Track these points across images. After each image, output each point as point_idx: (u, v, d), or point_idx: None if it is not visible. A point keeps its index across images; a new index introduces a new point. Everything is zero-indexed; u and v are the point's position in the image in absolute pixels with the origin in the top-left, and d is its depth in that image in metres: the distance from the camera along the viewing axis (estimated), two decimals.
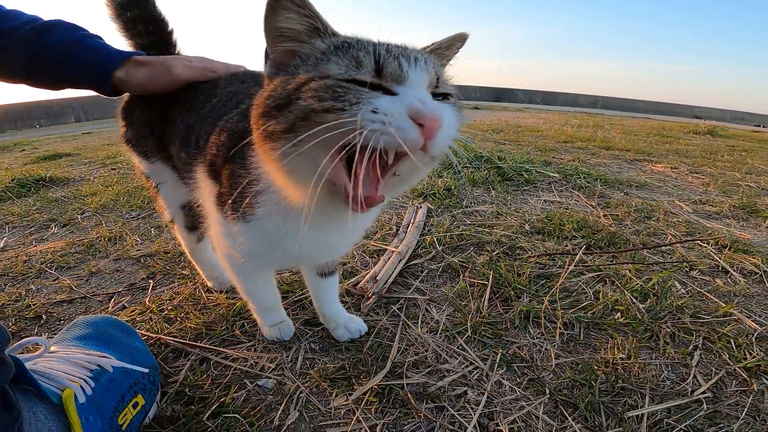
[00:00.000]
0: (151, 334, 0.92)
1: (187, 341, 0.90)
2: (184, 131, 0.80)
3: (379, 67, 0.44)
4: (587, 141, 3.93)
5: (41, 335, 0.98)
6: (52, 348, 0.70)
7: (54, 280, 1.24)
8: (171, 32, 0.96)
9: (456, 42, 0.57)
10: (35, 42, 0.77)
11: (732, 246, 1.39)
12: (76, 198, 2.04)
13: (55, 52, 0.79)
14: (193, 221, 0.99)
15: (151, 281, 1.19)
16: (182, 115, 0.82)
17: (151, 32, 0.92)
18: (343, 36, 0.50)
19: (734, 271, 1.24)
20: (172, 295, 1.10)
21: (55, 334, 0.98)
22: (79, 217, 1.76)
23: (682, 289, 1.13)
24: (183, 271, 1.23)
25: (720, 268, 1.26)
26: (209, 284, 1.12)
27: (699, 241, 1.43)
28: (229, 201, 0.64)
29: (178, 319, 0.99)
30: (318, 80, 0.44)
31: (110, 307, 1.08)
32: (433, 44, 0.57)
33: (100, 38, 0.84)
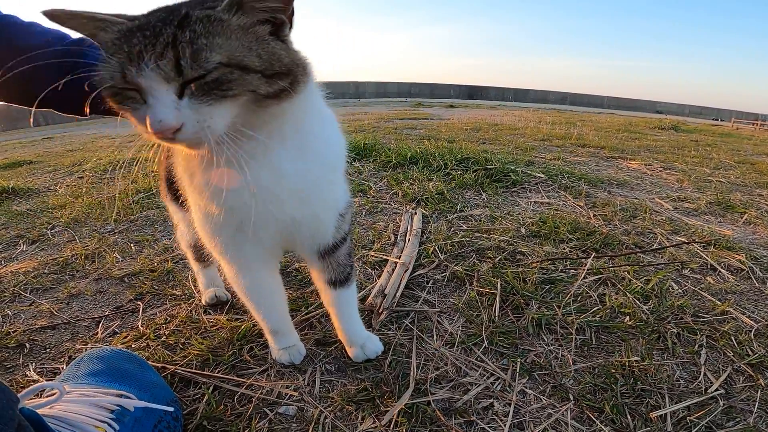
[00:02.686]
0: (155, 364, 0.86)
1: (196, 370, 0.85)
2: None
3: (124, 75, 0.48)
4: (563, 139, 4.03)
5: (28, 366, 0.90)
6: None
7: (31, 304, 1.15)
8: None
9: None
10: (70, 61, 0.65)
11: (716, 243, 1.45)
12: (44, 211, 1.91)
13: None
14: (202, 257, 1.03)
15: (140, 303, 1.12)
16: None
17: None
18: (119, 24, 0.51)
19: (722, 268, 1.29)
20: (166, 318, 1.04)
21: (42, 363, 0.92)
22: (48, 232, 1.64)
23: (679, 289, 1.16)
24: (174, 291, 1.16)
25: (709, 266, 1.30)
26: (204, 297, 1.08)
27: (688, 241, 1.48)
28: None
29: (179, 345, 0.93)
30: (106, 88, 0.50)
31: (99, 333, 1.01)
32: None
33: None
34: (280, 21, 0.54)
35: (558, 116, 8.18)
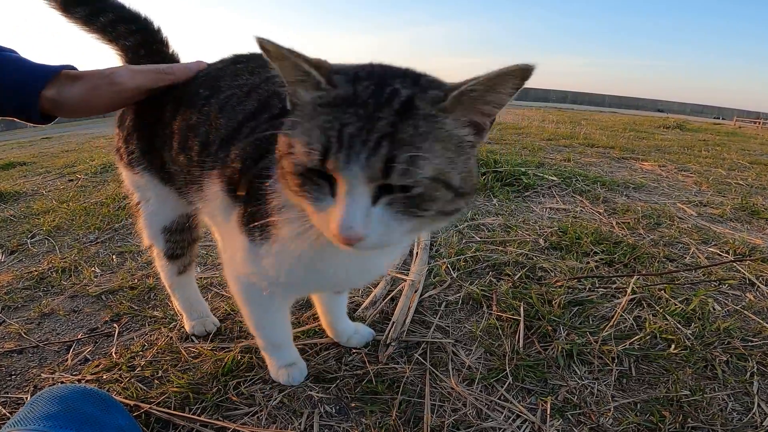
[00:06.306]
0: (126, 401, 0.74)
1: (174, 411, 0.73)
2: (184, 132, 0.68)
3: (326, 156, 0.39)
4: (570, 138, 3.92)
5: None
6: None
7: (0, 324, 1.03)
8: (158, 30, 0.84)
9: (509, 78, 0.40)
10: None
11: (750, 254, 1.33)
12: (27, 217, 1.79)
13: None
14: (175, 248, 0.86)
15: (116, 325, 1.00)
16: (181, 114, 0.69)
17: (135, 31, 0.80)
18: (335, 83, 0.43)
19: (761, 283, 1.18)
20: (143, 344, 0.92)
21: (7, 392, 0.81)
22: (29, 241, 1.53)
23: (721, 309, 1.04)
24: (154, 313, 1.04)
25: (747, 281, 1.19)
26: (188, 327, 0.95)
27: (731, 260, 1.35)
28: (259, 221, 0.55)
29: (156, 379, 0.81)
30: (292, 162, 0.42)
31: (69, 360, 0.90)
32: (470, 81, 0.40)
33: (14, 51, 0.67)
34: (483, 126, 0.45)
35: (560, 115, 8.06)
